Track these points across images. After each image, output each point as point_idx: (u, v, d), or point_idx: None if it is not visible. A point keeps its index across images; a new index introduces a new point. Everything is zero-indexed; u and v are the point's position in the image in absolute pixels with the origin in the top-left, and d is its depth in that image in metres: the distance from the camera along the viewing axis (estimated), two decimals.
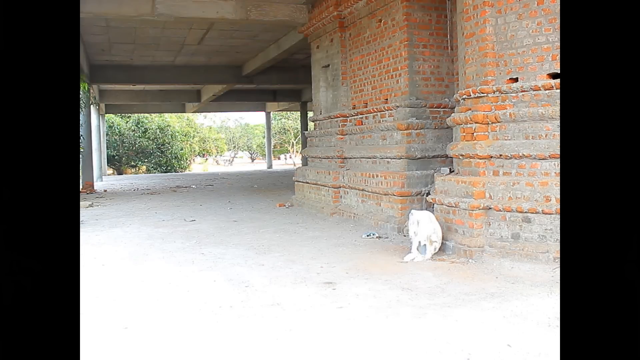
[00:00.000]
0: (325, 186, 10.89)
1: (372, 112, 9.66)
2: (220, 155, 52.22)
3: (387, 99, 9.21)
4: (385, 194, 8.64)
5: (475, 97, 6.56)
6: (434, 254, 6.36)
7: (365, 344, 3.74)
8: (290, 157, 49.48)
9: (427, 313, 4.35)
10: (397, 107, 8.77)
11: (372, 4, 9.41)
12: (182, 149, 38.46)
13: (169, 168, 36.61)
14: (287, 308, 4.59)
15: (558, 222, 5.78)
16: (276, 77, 21.75)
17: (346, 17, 10.53)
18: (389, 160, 8.88)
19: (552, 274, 5.41)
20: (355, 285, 5.28)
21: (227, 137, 54.13)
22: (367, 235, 7.99)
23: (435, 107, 8.70)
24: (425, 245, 6.32)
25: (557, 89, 5.97)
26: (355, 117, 10.34)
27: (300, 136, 38.29)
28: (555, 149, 5.88)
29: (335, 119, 11.07)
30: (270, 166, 36.31)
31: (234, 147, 54.70)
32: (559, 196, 5.78)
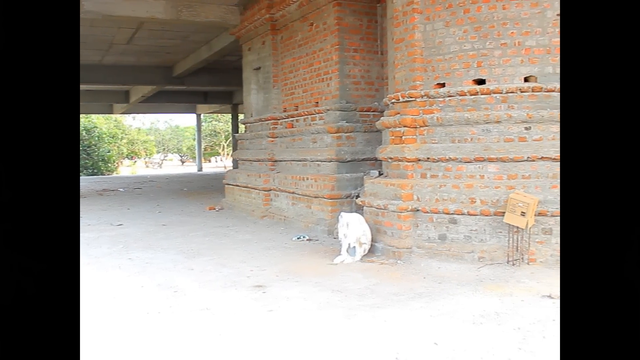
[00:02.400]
0: (256, 189, 10.84)
1: (303, 115, 9.69)
2: (150, 158, 51.11)
3: (317, 102, 9.26)
4: (315, 197, 8.68)
5: (404, 102, 6.69)
6: (364, 255, 6.43)
7: (296, 347, 3.74)
8: (221, 160, 48.95)
9: (357, 314, 4.39)
10: (328, 110, 8.82)
11: (304, 7, 9.44)
12: (109, 151, 37.35)
13: (95, 171, 35.48)
14: (216, 312, 4.54)
15: (483, 223, 5.97)
16: (207, 79, 21.48)
17: (278, 19, 10.53)
18: (320, 163, 8.92)
19: (477, 273, 5.58)
20: (285, 288, 5.28)
21: (157, 139, 53.04)
22: (298, 238, 8.00)
23: (365, 111, 8.80)
24: (355, 247, 6.38)
25: (481, 94, 6.16)
26: (286, 120, 10.35)
27: (231, 139, 37.97)
28: (480, 152, 6.07)
29: (267, 122, 11.04)
30: (200, 169, 35.80)
31: (164, 149, 53.64)
32: (483, 198, 5.97)
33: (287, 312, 4.49)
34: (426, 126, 6.49)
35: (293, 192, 9.45)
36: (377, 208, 6.76)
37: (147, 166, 48.28)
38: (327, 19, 8.86)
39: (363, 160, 8.69)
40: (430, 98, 6.50)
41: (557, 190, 5.86)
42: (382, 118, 7.23)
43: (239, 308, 4.65)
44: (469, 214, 6.00)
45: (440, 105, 6.45)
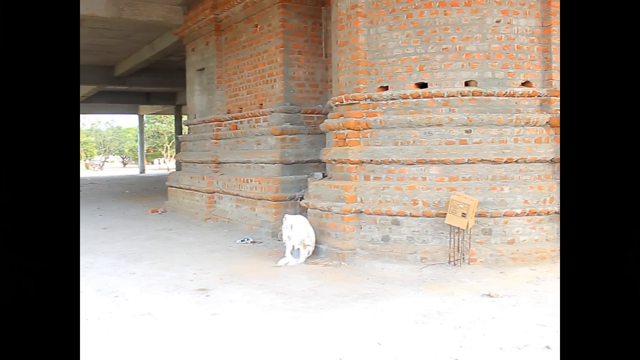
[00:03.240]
0: (200, 191, 10.72)
1: (247, 117, 9.64)
2: (90, 160, 49.83)
3: (262, 104, 9.23)
4: (259, 199, 8.64)
5: (347, 104, 6.74)
6: (308, 257, 6.44)
7: (240, 350, 3.71)
8: (164, 162, 48.17)
9: (301, 316, 4.39)
10: (272, 112, 8.81)
11: (248, 8, 9.39)
12: None
13: None
14: (159, 317, 4.46)
15: (425, 224, 6.07)
16: (150, 79, 21.11)
17: (222, 20, 10.44)
18: (264, 165, 8.89)
19: (419, 273, 5.67)
20: (229, 291, 5.23)
21: (98, 140, 51.78)
22: (242, 241, 7.95)
23: (309, 113, 8.83)
24: (299, 249, 6.39)
25: (423, 97, 6.27)
26: (230, 121, 10.27)
27: (174, 140, 37.41)
28: (422, 154, 6.17)
29: (210, 124, 10.93)
30: (142, 171, 35.09)
31: (105, 151, 52.37)
32: (425, 199, 6.07)
33: (231, 316, 4.45)
34: (369, 129, 6.55)
35: (237, 195, 9.39)
36: (321, 210, 6.78)
37: (88, 168, 47.04)
38: (272, 20, 8.85)
39: (307, 162, 8.71)
40: (373, 101, 6.57)
41: (496, 192, 6.02)
42: (326, 120, 7.26)
43: (181, 312, 4.58)
44: (411, 216, 6.09)
45: (383, 108, 6.52)
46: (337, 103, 6.95)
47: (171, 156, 45.56)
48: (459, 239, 5.90)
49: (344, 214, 6.40)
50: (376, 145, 6.51)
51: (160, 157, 49.95)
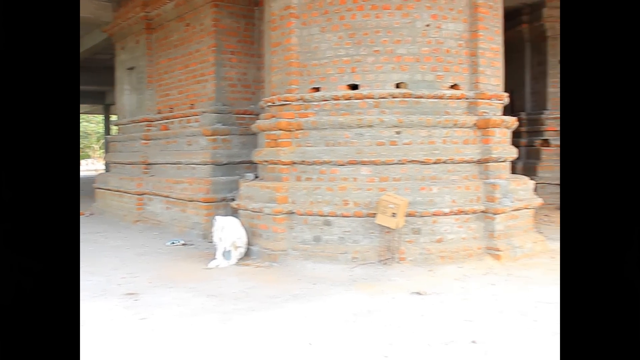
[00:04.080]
0: (129, 193, 10.45)
1: (178, 117, 9.48)
2: None
3: (193, 104, 9.09)
4: (190, 201, 8.51)
5: (279, 105, 6.72)
6: (240, 259, 6.39)
7: (169, 354, 3.64)
8: (93, 163, 46.83)
9: (232, 318, 4.34)
10: (204, 112, 8.69)
11: (180, 7, 9.23)
12: None
13: None
14: (85, 323, 4.30)
15: (356, 224, 6.12)
16: None
17: (153, 18, 10.22)
18: (195, 166, 8.76)
19: (350, 273, 5.71)
20: (159, 295, 5.12)
21: None
22: (172, 243, 7.81)
23: (241, 114, 8.76)
24: (230, 250, 6.33)
25: (355, 99, 6.33)
26: (161, 121, 10.07)
27: (103, 141, 36.41)
28: (353, 155, 6.23)
29: (140, 124, 10.69)
30: None
31: None
32: (356, 200, 6.13)
33: (161, 320, 4.36)
34: (301, 130, 6.56)
35: (167, 196, 9.21)
36: (252, 211, 6.73)
37: None
38: (204, 20, 8.74)
39: (239, 163, 8.64)
40: (305, 102, 6.58)
41: (426, 192, 6.14)
42: (258, 121, 7.22)
43: (109, 317, 4.46)
44: (342, 216, 6.13)
45: (315, 109, 6.55)
46: (269, 104, 6.92)
47: (100, 157, 44.34)
48: (389, 239, 5.98)
49: (276, 215, 6.38)
50: (308, 146, 6.53)
51: (88, 158, 48.50)
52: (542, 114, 11.25)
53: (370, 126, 6.27)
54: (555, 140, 11.04)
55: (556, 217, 9.76)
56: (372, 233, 6.08)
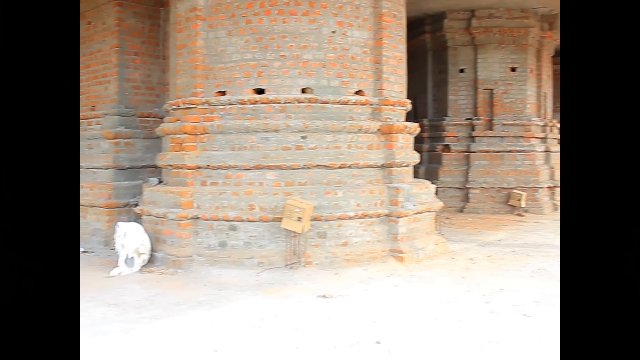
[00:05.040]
0: None
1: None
2: None
3: (94, 106, 8.77)
4: (91, 206, 8.19)
5: (184, 108, 6.61)
6: (143, 266, 6.22)
7: None
8: None
9: (135, 327, 4.22)
10: (106, 115, 8.40)
11: (82, 4, 8.89)
12: None
13: None
14: None
15: (262, 229, 6.12)
16: None
17: None
18: (96, 170, 8.45)
19: (257, 278, 5.69)
20: None
21: None
22: None
23: (145, 117, 8.52)
24: (133, 257, 6.14)
25: (261, 103, 6.33)
26: None
27: None
28: (259, 159, 6.22)
29: None
30: None
31: None
32: (262, 204, 6.12)
33: None
34: (207, 133, 6.48)
35: None
36: (156, 217, 6.58)
37: None
38: (107, 19, 8.45)
39: (143, 167, 8.40)
40: (211, 105, 6.51)
41: (331, 196, 6.22)
42: (162, 124, 7.07)
43: None
44: (248, 221, 6.11)
45: (221, 113, 6.49)
46: (174, 107, 6.79)
47: None
48: (295, 243, 6.01)
49: (180, 221, 6.26)
50: (213, 151, 6.46)
51: None
52: (443, 120, 11.67)
53: (276, 131, 6.28)
54: (455, 146, 11.49)
55: (456, 219, 10.17)
56: (278, 237, 6.09)
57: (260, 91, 6.43)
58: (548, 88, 12.53)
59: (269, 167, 6.24)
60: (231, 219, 6.13)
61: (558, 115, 15.22)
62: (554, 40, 12.29)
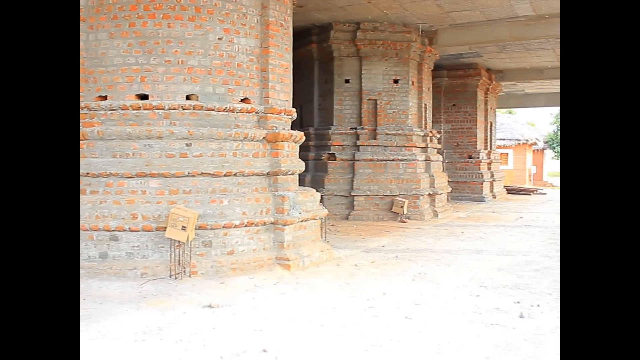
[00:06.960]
0: None
1: None
2: None
3: None
4: None
5: None
6: None
7: None
8: None
9: None
10: None
11: None
12: None
13: None
14: None
15: (145, 239, 5.94)
16: None
17: None
18: None
19: (140, 289, 5.51)
20: None
21: None
22: None
23: None
24: None
25: (144, 109, 6.15)
26: None
27: None
28: (142, 167, 6.04)
29: None
30: None
31: None
32: (145, 213, 5.95)
33: None
34: (86, 140, 6.22)
35: None
36: None
37: None
38: None
39: None
40: (91, 110, 6.25)
41: (216, 204, 6.16)
42: None
43: None
44: (130, 230, 5.91)
45: (101, 118, 6.25)
46: None
47: None
48: (179, 252, 5.89)
49: None
50: (93, 158, 6.20)
51: None
52: (328, 129, 11.89)
53: (160, 138, 6.13)
54: (341, 155, 11.74)
55: (342, 226, 10.38)
56: (162, 247, 5.94)
57: (143, 97, 6.25)
58: (428, 100, 13.12)
59: (152, 175, 6.07)
60: (112, 228, 5.90)
61: (437, 126, 15.97)
62: (433, 54, 12.91)
